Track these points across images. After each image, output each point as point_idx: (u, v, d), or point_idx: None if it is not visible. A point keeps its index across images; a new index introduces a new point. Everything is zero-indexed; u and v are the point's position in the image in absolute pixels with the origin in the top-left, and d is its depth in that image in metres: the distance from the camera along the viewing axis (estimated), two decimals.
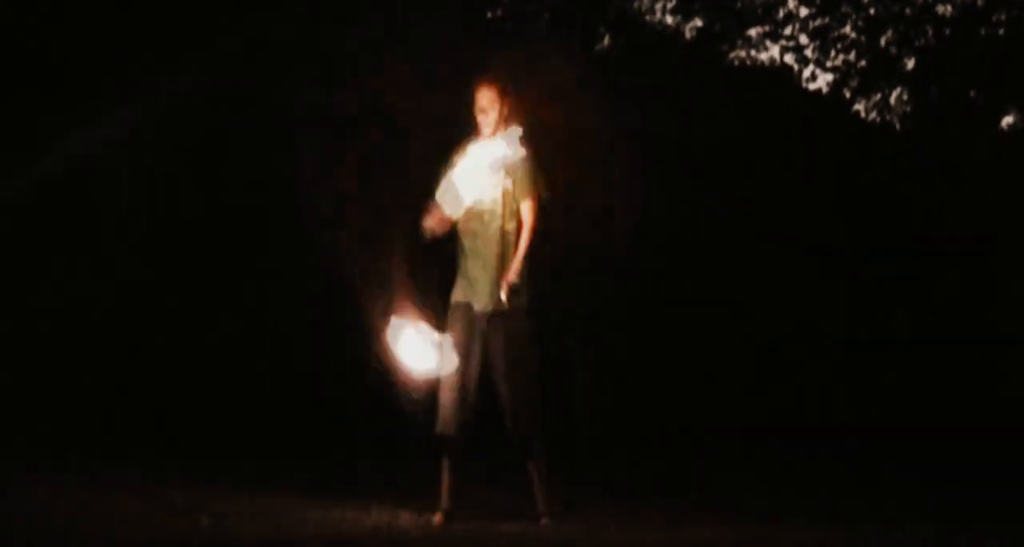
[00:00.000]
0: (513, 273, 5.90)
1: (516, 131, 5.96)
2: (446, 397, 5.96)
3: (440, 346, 5.89)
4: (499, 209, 6.00)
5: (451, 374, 5.92)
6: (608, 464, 8.70)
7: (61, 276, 9.05)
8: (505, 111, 6.02)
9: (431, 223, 6.04)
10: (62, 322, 8.96)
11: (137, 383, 8.92)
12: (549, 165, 6.19)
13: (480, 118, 6.05)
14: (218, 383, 9.04)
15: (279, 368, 9.21)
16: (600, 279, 9.77)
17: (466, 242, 6.05)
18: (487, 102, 6.03)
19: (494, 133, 6.02)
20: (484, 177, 5.94)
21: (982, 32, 11.62)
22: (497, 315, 5.94)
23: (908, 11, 11.68)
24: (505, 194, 5.99)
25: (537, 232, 5.99)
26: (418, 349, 5.90)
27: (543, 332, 6.20)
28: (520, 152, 5.95)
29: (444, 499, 6.04)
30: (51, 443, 7.70)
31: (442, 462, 6.06)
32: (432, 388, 5.98)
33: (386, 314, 5.99)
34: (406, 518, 6.06)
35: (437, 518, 6.00)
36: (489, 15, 10.81)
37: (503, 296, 5.89)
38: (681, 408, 10.10)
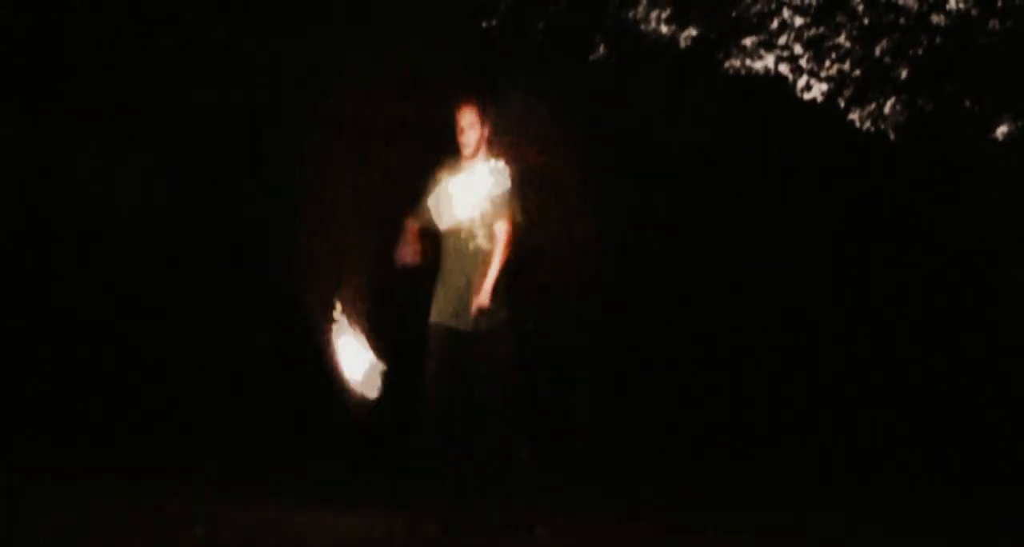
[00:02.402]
0: (484, 296, 5.89)
1: (500, 164, 5.98)
2: (432, 409, 5.99)
3: (372, 368, 5.92)
4: (477, 229, 6.01)
5: (435, 389, 5.96)
6: (603, 474, 8.71)
7: (50, 280, 9.05)
8: (487, 132, 6.05)
9: (405, 250, 6.07)
10: (53, 326, 8.97)
11: (129, 390, 8.91)
12: (533, 179, 6.22)
13: (461, 137, 6.06)
14: (213, 389, 9.04)
15: (273, 375, 9.20)
16: (592, 289, 9.78)
17: (444, 261, 6.06)
18: (468, 122, 6.04)
19: (475, 153, 6.05)
20: (471, 202, 5.96)
21: (976, 41, 11.64)
22: (475, 331, 5.95)
23: (902, 20, 11.71)
24: (484, 215, 6.00)
25: (509, 253, 5.98)
26: (352, 360, 5.93)
27: (536, 347, 6.22)
28: (505, 183, 5.97)
29: (440, 508, 6.06)
30: (42, 451, 7.68)
31: (438, 472, 6.08)
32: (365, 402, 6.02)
33: (331, 319, 6.01)
34: (402, 527, 6.06)
35: (433, 527, 6.01)
36: (485, 25, 10.84)
37: (476, 319, 5.90)
38: (676, 420, 10.11)
